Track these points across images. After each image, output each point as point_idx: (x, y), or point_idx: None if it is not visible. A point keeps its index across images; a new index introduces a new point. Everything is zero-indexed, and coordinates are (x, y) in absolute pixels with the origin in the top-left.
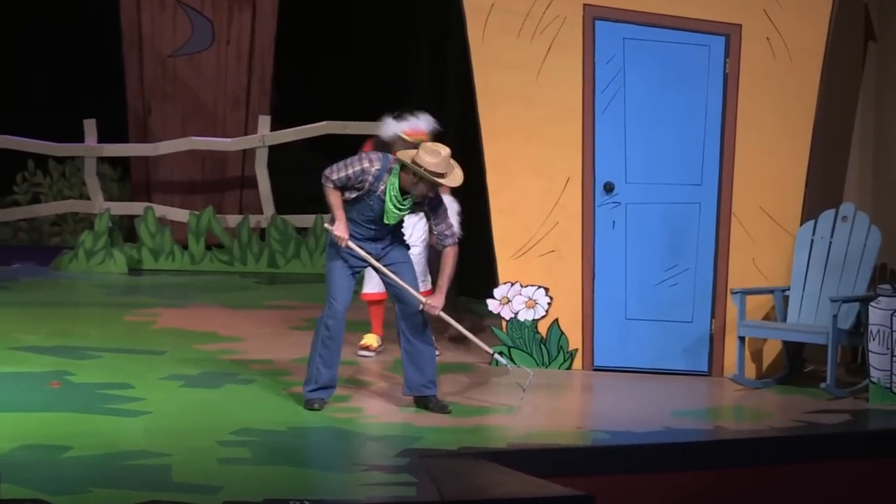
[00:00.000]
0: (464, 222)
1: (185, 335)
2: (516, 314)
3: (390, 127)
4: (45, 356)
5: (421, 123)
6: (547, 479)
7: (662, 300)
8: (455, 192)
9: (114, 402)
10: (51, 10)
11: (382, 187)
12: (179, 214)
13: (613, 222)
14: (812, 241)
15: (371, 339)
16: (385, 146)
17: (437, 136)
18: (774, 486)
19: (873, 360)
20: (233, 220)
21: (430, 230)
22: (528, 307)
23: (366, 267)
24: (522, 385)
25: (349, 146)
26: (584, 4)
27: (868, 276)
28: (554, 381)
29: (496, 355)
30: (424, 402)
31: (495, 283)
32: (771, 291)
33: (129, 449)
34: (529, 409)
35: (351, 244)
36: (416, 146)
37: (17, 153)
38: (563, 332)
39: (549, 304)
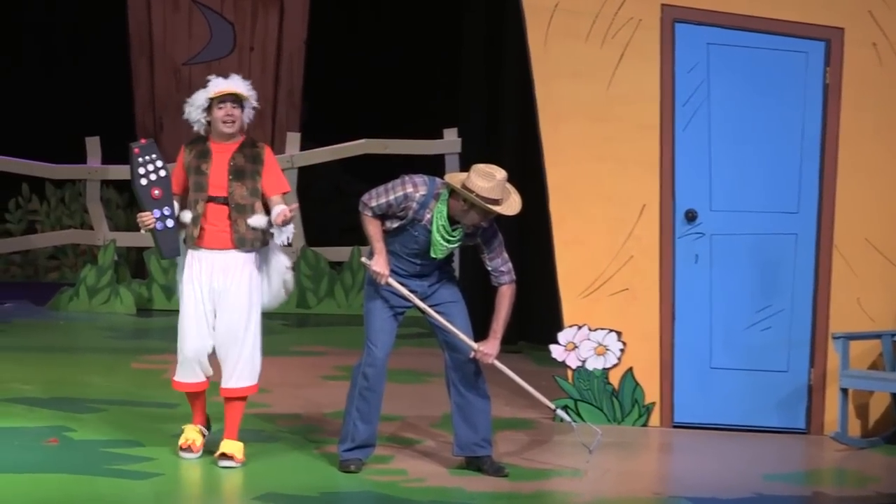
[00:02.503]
0: (522, 257)
1: None
2: (584, 362)
3: (196, 100)
4: (42, 409)
5: (229, 82)
6: None
7: (753, 346)
8: (513, 221)
9: (119, 462)
10: (49, 12)
11: (429, 216)
12: None
13: (696, 256)
14: None
15: (192, 433)
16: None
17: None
18: None
19: None
20: None
21: (484, 265)
22: (598, 354)
23: (410, 308)
24: (589, 445)
25: (391, 168)
26: (663, 4)
27: None
28: (627, 440)
29: (559, 410)
30: (478, 464)
31: (559, 327)
32: (878, 336)
33: None
34: (598, 473)
35: (392, 281)
36: None
37: (10, 175)
38: (637, 383)
39: (622, 350)
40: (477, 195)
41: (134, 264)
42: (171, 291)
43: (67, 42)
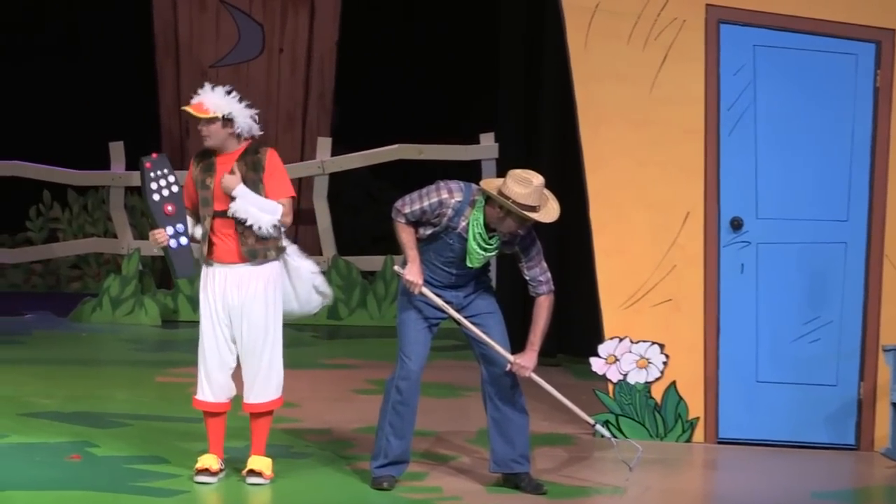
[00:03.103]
0: (561, 266)
1: None
2: (625, 376)
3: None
4: (63, 424)
5: (197, 97)
6: None
7: (800, 359)
8: (551, 228)
9: (144, 479)
10: (70, 13)
11: (464, 223)
12: None
13: (742, 265)
14: None
15: (209, 459)
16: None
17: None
18: None
19: None
20: None
21: (521, 274)
22: (640, 367)
23: (445, 319)
24: (630, 462)
25: (425, 174)
26: (707, 5)
27: None
28: (669, 457)
29: (599, 426)
30: (515, 481)
31: (600, 339)
32: None
33: None
34: (639, 491)
35: (426, 291)
36: None
37: (31, 182)
38: (681, 398)
39: (665, 363)
40: (513, 202)
41: (159, 274)
42: (197, 302)
43: (90, 43)
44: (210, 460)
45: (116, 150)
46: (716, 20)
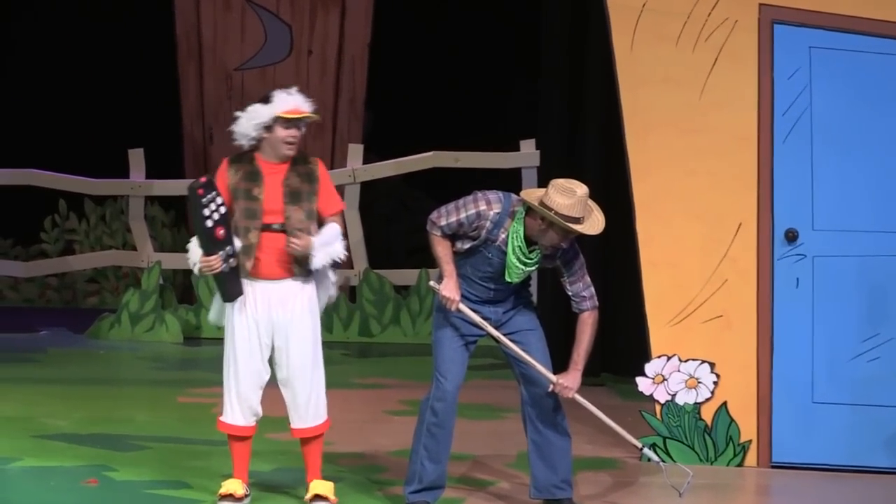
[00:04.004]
0: (606, 281)
1: None
2: (673, 396)
3: (255, 115)
4: (80, 447)
5: (298, 100)
6: None
7: (859, 379)
8: (595, 241)
9: None
10: (87, 14)
11: (503, 236)
12: None
13: (797, 280)
14: None
15: (234, 484)
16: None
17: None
18: None
19: None
20: None
21: (563, 290)
22: (689, 387)
23: (483, 336)
24: (679, 487)
25: (462, 183)
26: (761, 4)
27: None
28: (720, 482)
29: (646, 449)
30: None
31: (647, 358)
32: None
33: None
34: None
35: (463, 307)
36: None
37: (46, 191)
38: (732, 419)
39: (716, 383)
40: (556, 213)
41: (181, 288)
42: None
43: (109, 45)
44: (235, 485)
45: (136, 157)
46: (769, 20)
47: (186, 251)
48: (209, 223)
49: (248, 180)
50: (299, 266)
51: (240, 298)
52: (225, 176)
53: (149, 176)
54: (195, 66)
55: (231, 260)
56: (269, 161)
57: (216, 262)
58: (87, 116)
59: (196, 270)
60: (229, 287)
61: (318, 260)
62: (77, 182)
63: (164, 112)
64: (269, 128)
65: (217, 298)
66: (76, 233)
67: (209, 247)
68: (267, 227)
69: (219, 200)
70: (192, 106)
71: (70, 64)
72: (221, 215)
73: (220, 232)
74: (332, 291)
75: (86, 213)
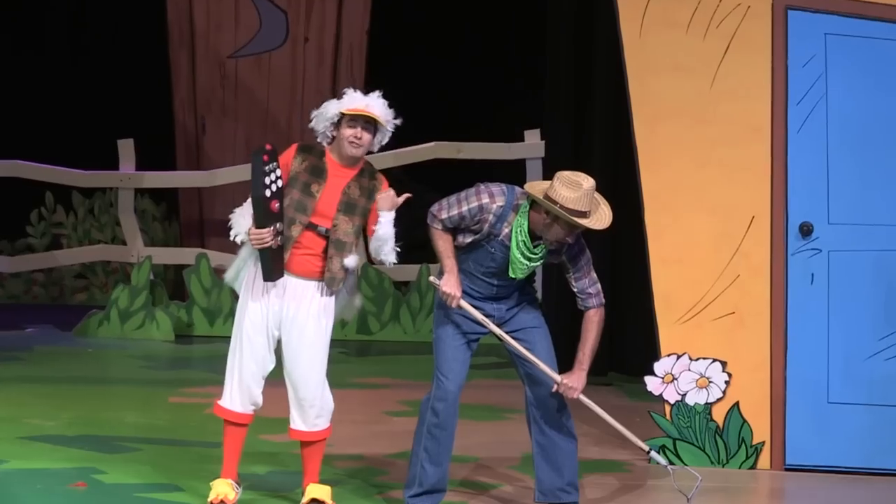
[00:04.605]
0: (613, 277)
1: None
2: (683, 396)
3: (325, 111)
4: (67, 448)
5: (369, 100)
6: None
7: (876, 378)
8: (602, 235)
9: None
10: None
11: (507, 230)
12: None
13: (812, 276)
14: None
15: (224, 486)
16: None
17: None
18: None
19: None
20: None
21: (569, 286)
22: (700, 387)
23: (485, 334)
24: (688, 492)
25: (464, 175)
26: None
27: None
28: (732, 485)
29: (654, 452)
30: None
31: (655, 357)
32: None
33: None
34: None
35: (465, 304)
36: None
37: (32, 183)
38: (745, 420)
39: (727, 382)
40: (561, 207)
41: (172, 284)
42: (213, 315)
43: (97, 33)
44: (225, 488)
45: (126, 148)
46: (783, 6)
47: (177, 245)
48: (267, 192)
49: (311, 174)
50: (331, 280)
51: (256, 285)
52: (289, 160)
53: (139, 167)
54: (187, 54)
55: (279, 238)
56: (337, 162)
57: (268, 235)
58: (75, 105)
59: (239, 241)
60: (275, 265)
61: (387, 225)
62: (64, 174)
63: (154, 101)
64: (336, 125)
65: (239, 259)
66: (63, 226)
67: (262, 218)
68: (312, 227)
69: (278, 173)
70: (183, 95)
71: (57, 51)
72: (279, 188)
73: (276, 205)
74: (348, 314)
75: (73, 205)
